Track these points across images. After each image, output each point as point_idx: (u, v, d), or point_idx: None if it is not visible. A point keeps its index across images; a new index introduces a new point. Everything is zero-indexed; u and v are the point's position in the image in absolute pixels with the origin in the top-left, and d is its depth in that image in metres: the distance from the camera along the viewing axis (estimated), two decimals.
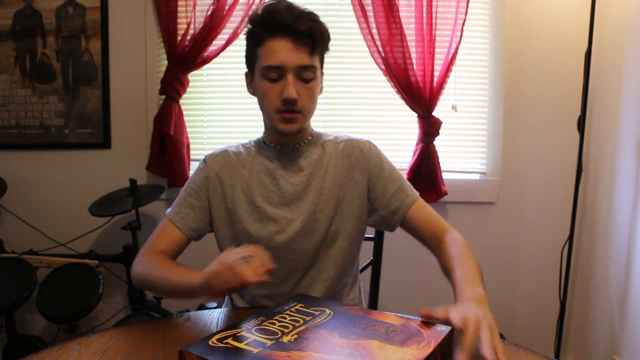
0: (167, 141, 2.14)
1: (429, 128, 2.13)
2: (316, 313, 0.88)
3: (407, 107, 2.15)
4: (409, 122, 2.22)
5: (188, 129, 2.23)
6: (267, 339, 0.78)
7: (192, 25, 2.12)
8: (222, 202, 1.19)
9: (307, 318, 0.86)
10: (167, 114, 2.13)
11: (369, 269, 1.51)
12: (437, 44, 2.11)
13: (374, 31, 2.10)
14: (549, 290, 2.28)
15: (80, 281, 1.89)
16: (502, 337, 0.88)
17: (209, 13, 2.10)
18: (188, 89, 2.19)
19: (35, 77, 2.24)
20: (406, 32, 2.09)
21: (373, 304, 1.50)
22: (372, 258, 1.51)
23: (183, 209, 1.20)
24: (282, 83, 1.08)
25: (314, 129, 1.26)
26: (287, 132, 1.12)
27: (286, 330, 0.80)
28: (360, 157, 1.19)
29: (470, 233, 2.29)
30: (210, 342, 0.76)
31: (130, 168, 2.25)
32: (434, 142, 2.16)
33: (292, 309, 0.89)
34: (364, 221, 1.22)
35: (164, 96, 2.15)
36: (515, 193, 2.29)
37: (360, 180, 1.19)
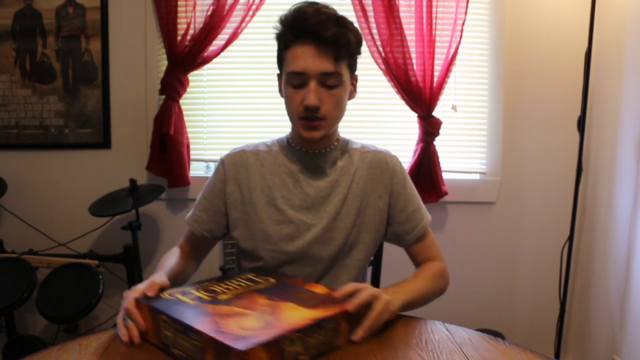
0: (167, 141, 2.14)
1: (429, 128, 2.13)
2: (260, 281, 0.98)
3: (407, 107, 2.15)
4: (409, 122, 2.22)
5: (188, 129, 2.23)
6: (207, 296, 0.90)
7: (192, 25, 2.12)
8: (239, 204, 1.18)
9: (250, 284, 0.96)
10: (167, 114, 2.13)
11: (369, 268, 1.51)
12: (437, 44, 2.11)
13: (374, 31, 2.10)
14: (549, 290, 2.28)
15: (80, 281, 1.89)
16: (502, 337, 0.90)
17: (209, 13, 2.10)
18: (188, 89, 2.19)
19: (35, 77, 2.24)
20: (406, 32, 2.09)
21: None
22: (372, 258, 1.51)
23: (198, 211, 1.22)
24: (305, 90, 1.07)
25: (340, 134, 1.24)
26: (309, 139, 1.11)
27: (227, 292, 0.92)
28: (385, 171, 1.19)
29: (470, 233, 2.31)
30: (161, 295, 0.89)
31: (130, 168, 2.25)
32: (434, 142, 2.16)
33: (243, 277, 1.00)
34: (382, 235, 1.22)
35: (164, 96, 2.15)
36: (515, 193, 2.29)
37: (383, 194, 1.19)
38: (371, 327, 0.88)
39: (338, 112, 1.13)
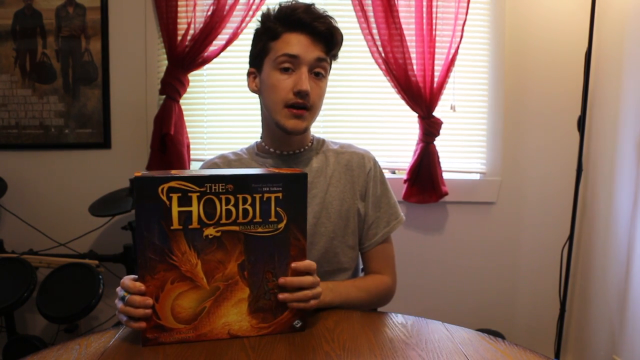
0: (167, 141, 2.14)
1: (429, 128, 2.13)
2: (270, 225, 0.88)
3: (408, 107, 2.15)
4: (409, 122, 2.22)
5: (188, 129, 2.23)
6: (200, 217, 0.84)
7: (192, 26, 2.12)
8: None
9: (253, 221, 0.87)
10: (168, 114, 2.13)
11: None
12: (437, 44, 2.11)
13: (374, 31, 2.10)
14: (549, 290, 2.28)
15: (80, 281, 1.89)
16: (502, 337, 0.90)
17: (209, 13, 2.10)
18: (188, 89, 2.19)
19: (35, 77, 2.24)
20: (406, 32, 2.09)
21: None
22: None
23: None
24: (296, 76, 1.06)
25: (314, 134, 1.24)
26: (294, 130, 1.09)
27: (220, 222, 0.85)
28: (362, 172, 1.18)
29: (470, 233, 2.31)
30: (159, 188, 0.82)
31: (130, 168, 2.25)
32: (434, 142, 2.16)
33: (264, 197, 0.87)
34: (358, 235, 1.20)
35: (164, 96, 2.15)
36: (515, 193, 2.29)
37: (359, 196, 1.17)
38: (297, 298, 0.89)
39: (320, 104, 1.13)
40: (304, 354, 0.83)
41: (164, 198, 0.82)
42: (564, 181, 2.24)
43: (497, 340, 0.91)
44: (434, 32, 2.09)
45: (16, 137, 2.27)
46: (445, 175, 2.21)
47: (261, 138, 1.21)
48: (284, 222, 0.88)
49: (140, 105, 2.27)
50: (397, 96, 2.14)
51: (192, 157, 2.24)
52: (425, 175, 2.15)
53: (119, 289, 0.88)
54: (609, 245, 2.03)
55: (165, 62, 2.17)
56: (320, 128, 2.24)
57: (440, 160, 2.17)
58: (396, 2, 2.08)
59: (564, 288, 2.12)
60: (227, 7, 2.10)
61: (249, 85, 1.17)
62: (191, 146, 2.24)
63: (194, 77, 2.22)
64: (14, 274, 1.90)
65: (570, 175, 2.15)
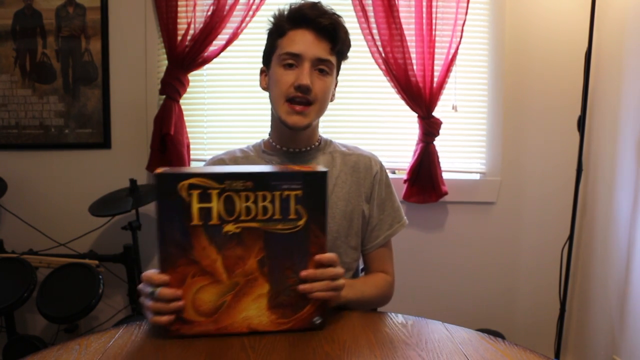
0: (167, 141, 2.14)
1: (429, 128, 2.13)
2: (290, 222, 0.87)
3: (407, 107, 2.15)
4: (409, 122, 2.22)
5: (188, 129, 2.23)
6: (223, 210, 0.85)
7: (192, 25, 2.12)
8: None
9: (273, 217, 0.87)
10: (168, 114, 2.13)
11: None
12: (437, 44, 2.11)
13: (374, 31, 2.10)
14: (549, 290, 2.28)
15: (80, 281, 1.89)
16: (502, 337, 0.90)
17: (209, 13, 2.10)
18: (188, 89, 2.19)
19: (35, 77, 2.24)
20: (406, 32, 2.09)
21: None
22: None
23: None
24: (298, 71, 1.07)
25: (322, 134, 1.24)
26: (294, 125, 1.09)
27: (240, 218, 0.85)
28: (368, 175, 1.19)
29: (470, 233, 2.31)
30: (179, 185, 0.83)
31: (130, 168, 2.25)
32: (434, 142, 2.16)
33: (284, 195, 0.87)
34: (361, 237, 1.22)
35: (164, 96, 2.15)
36: (515, 193, 2.29)
37: (364, 198, 1.18)
38: (319, 288, 0.88)
39: (325, 100, 1.12)
40: (304, 354, 0.83)
41: (184, 195, 0.84)
42: (564, 181, 2.24)
43: (497, 340, 0.91)
44: (433, 32, 2.10)
45: (16, 137, 2.27)
46: (445, 175, 2.21)
47: (269, 135, 1.22)
48: (304, 219, 0.87)
49: (140, 105, 2.26)
50: (397, 96, 2.14)
51: (192, 157, 2.24)
52: (425, 175, 2.15)
53: (142, 285, 0.88)
54: (609, 245, 2.03)
55: (165, 62, 2.17)
56: (320, 128, 2.22)
57: (441, 160, 2.17)
58: (396, 1, 2.08)
59: (564, 288, 2.12)
60: (227, 7, 2.10)
61: (260, 84, 1.19)
62: (191, 146, 2.24)
63: (194, 77, 2.22)
64: (14, 274, 1.90)
65: (570, 175, 2.15)
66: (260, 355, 0.82)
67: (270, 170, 0.88)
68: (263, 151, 1.20)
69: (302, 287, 0.88)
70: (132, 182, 2.03)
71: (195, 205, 0.84)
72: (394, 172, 2.34)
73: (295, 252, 0.88)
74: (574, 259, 2.21)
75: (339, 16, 1.12)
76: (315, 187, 0.87)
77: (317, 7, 1.10)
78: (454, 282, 2.32)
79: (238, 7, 2.11)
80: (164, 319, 0.85)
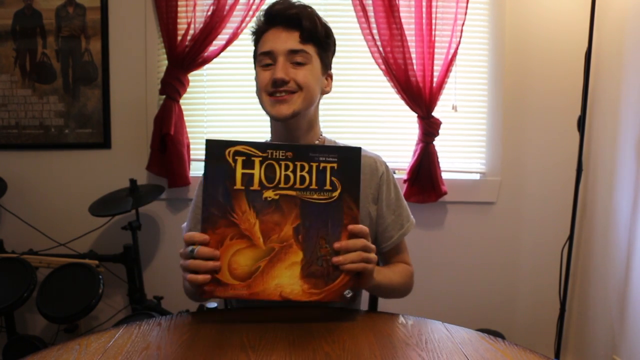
0: (167, 141, 2.14)
1: (429, 128, 2.13)
2: (325, 194, 0.92)
3: (407, 107, 2.15)
4: (409, 122, 2.22)
5: (188, 129, 2.23)
6: (260, 180, 0.91)
7: (192, 26, 2.12)
8: None
9: (310, 187, 0.92)
10: (168, 114, 2.13)
11: None
12: (436, 44, 2.11)
13: (375, 31, 2.09)
14: (549, 290, 2.28)
15: (80, 281, 1.89)
16: (502, 337, 0.90)
17: (209, 13, 2.10)
18: (188, 89, 2.19)
19: (35, 77, 2.24)
20: (406, 32, 2.09)
21: (372, 303, 1.50)
22: None
23: (193, 226, 1.20)
24: (273, 67, 1.10)
25: (326, 135, 1.24)
26: (279, 115, 1.09)
27: (280, 186, 0.91)
28: (374, 176, 1.19)
29: (470, 233, 2.31)
30: (227, 151, 0.91)
31: (130, 168, 2.25)
32: (434, 142, 2.16)
33: (321, 166, 0.92)
34: (372, 240, 1.21)
35: (164, 96, 2.15)
36: (515, 193, 2.29)
37: (371, 199, 1.18)
38: (351, 259, 0.91)
39: (310, 88, 1.11)
40: (304, 354, 0.83)
41: (230, 160, 0.91)
42: (563, 181, 2.24)
43: (497, 340, 0.91)
44: (433, 32, 2.10)
45: (16, 137, 2.27)
46: (445, 175, 2.21)
47: (271, 138, 1.22)
48: (338, 191, 0.92)
49: (140, 105, 2.26)
50: (397, 96, 2.14)
51: (192, 157, 2.24)
52: (425, 175, 2.15)
53: (182, 250, 0.93)
54: (609, 245, 2.03)
55: (165, 62, 2.17)
56: (320, 128, 2.23)
57: (441, 160, 2.17)
58: (397, 1, 2.08)
59: (564, 288, 2.12)
60: (227, 7, 2.10)
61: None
62: (191, 146, 2.24)
63: (194, 77, 2.22)
64: (14, 274, 1.90)
65: (570, 175, 2.15)
66: (260, 355, 0.82)
67: (308, 144, 0.92)
68: None
69: (335, 259, 0.91)
70: (132, 182, 2.03)
71: (239, 171, 0.91)
72: (394, 172, 2.34)
73: (329, 221, 0.92)
74: (574, 259, 2.21)
75: (307, 6, 1.13)
76: (349, 161, 0.93)
77: (285, 1, 1.12)
78: (453, 282, 2.32)
79: (238, 7, 2.11)
80: (200, 277, 0.89)
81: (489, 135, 2.26)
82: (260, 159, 0.91)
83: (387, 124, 2.27)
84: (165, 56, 2.17)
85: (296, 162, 0.91)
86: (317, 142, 1.20)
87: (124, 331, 0.92)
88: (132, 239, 2.05)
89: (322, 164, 0.92)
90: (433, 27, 2.09)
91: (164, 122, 2.13)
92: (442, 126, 2.15)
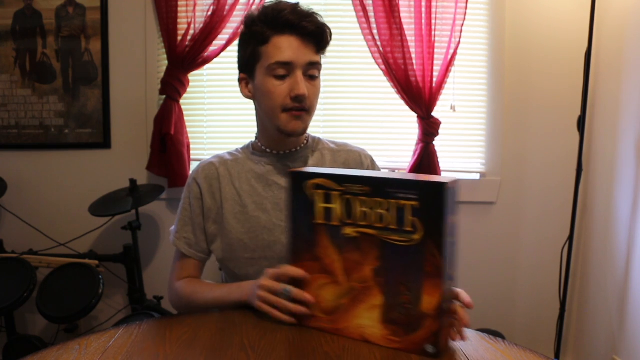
0: (167, 141, 2.14)
1: (429, 128, 2.13)
2: (405, 236, 0.83)
3: (407, 108, 2.15)
4: (409, 122, 2.22)
5: (188, 129, 2.23)
6: (340, 215, 0.87)
7: (192, 26, 2.12)
8: (215, 216, 1.16)
9: (388, 227, 0.84)
10: (168, 114, 2.13)
11: None
12: (436, 44, 2.11)
13: (375, 31, 2.09)
14: (549, 290, 2.27)
15: (80, 281, 1.89)
16: (502, 337, 0.91)
17: (209, 13, 2.10)
18: (188, 89, 2.19)
19: (35, 77, 2.24)
20: (406, 32, 2.09)
21: None
22: None
23: (184, 233, 1.18)
24: (291, 80, 1.06)
25: (309, 133, 1.24)
26: (294, 132, 1.09)
27: (360, 223, 0.86)
28: (360, 169, 1.19)
29: (470, 233, 2.30)
30: (306, 184, 0.89)
31: (130, 168, 2.25)
32: (434, 142, 2.16)
33: (401, 204, 0.82)
34: None
35: (164, 96, 2.15)
36: (515, 193, 2.29)
37: None
38: (467, 325, 0.91)
39: (317, 104, 1.13)
40: (304, 354, 0.83)
41: (310, 193, 0.89)
42: (563, 181, 2.23)
43: (497, 340, 0.91)
44: (433, 32, 2.10)
45: (16, 137, 2.27)
46: (445, 175, 2.21)
47: (256, 138, 1.21)
48: (420, 234, 0.81)
49: (140, 105, 2.26)
50: (397, 96, 2.14)
51: (192, 157, 2.24)
52: (425, 175, 2.15)
53: (268, 282, 0.94)
54: (609, 245, 2.03)
55: (165, 62, 2.17)
56: (319, 128, 2.23)
57: (441, 160, 2.17)
58: (397, 1, 2.08)
59: (564, 288, 2.12)
60: (227, 7, 2.10)
61: (242, 92, 1.16)
62: (191, 146, 2.24)
63: (194, 77, 2.22)
64: (14, 274, 1.90)
65: (570, 175, 2.15)
66: (260, 355, 0.82)
67: (387, 177, 0.86)
68: (252, 153, 1.20)
69: (465, 321, 0.89)
70: (132, 182, 2.03)
71: (320, 205, 0.89)
72: (394, 172, 2.34)
73: (410, 267, 0.83)
74: (574, 259, 2.21)
75: (319, 16, 1.10)
76: (432, 199, 0.80)
77: (298, 10, 1.06)
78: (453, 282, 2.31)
79: (238, 7, 2.11)
80: (288, 319, 0.92)
81: (488, 135, 2.26)
82: (339, 193, 0.87)
83: (387, 124, 2.27)
84: (165, 56, 2.17)
85: (374, 198, 0.84)
86: (304, 142, 1.20)
87: (124, 331, 0.92)
88: (132, 239, 2.05)
89: (402, 202, 0.82)
90: (433, 27, 2.09)
91: (164, 122, 2.13)
92: (442, 126, 2.15)
